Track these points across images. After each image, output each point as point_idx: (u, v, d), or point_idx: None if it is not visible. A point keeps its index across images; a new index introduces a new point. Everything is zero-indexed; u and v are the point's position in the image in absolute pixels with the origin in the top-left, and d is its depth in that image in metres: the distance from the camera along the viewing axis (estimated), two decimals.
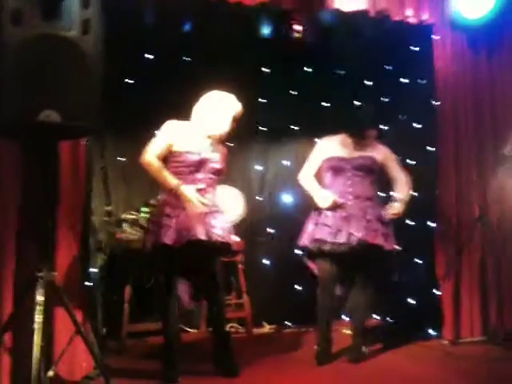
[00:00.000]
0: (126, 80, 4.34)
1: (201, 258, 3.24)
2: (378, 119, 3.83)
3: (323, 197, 3.61)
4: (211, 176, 3.29)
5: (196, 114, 3.33)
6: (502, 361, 3.61)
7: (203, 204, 3.16)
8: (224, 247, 3.26)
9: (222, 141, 3.39)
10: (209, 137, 3.30)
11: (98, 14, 2.40)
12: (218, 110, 3.28)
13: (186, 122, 3.31)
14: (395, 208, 3.67)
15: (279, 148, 5.01)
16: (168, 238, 3.08)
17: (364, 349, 3.72)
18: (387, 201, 3.78)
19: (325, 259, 3.61)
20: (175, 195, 3.15)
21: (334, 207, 3.58)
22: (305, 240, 3.65)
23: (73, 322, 2.67)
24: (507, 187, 4.18)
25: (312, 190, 3.71)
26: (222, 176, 3.44)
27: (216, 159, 3.31)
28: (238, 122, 3.35)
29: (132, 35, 3.91)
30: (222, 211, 3.33)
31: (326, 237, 3.53)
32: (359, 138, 3.69)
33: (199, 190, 3.19)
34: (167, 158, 3.25)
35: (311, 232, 3.63)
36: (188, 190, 3.14)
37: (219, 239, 3.17)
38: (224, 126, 3.30)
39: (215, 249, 3.22)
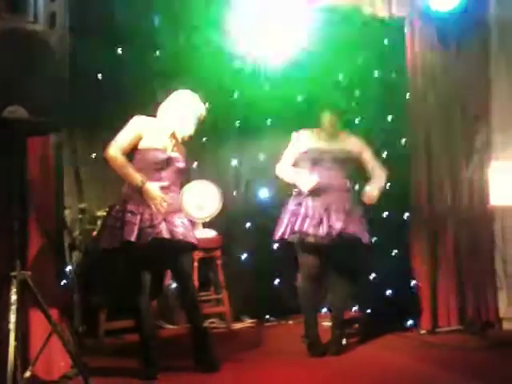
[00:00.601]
0: (99, 75, 4.29)
1: (165, 256, 3.24)
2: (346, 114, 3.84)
3: (307, 179, 3.57)
4: (175, 174, 3.29)
5: (162, 112, 3.31)
6: (478, 350, 3.67)
7: (166, 202, 3.15)
8: (187, 246, 3.26)
9: (184, 141, 3.37)
10: (171, 135, 3.29)
11: (64, 6, 2.37)
12: (184, 112, 3.27)
13: (154, 118, 3.30)
14: (371, 192, 3.66)
15: (254, 142, 5.01)
16: (133, 235, 3.06)
17: (344, 341, 3.74)
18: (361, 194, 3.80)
19: (308, 251, 3.61)
20: (138, 191, 3.13)
21: (317, 190, 3.56)
22: (284, 232, 3.63)
23: (48, 321, 2.65)
24: (478, 178, 4.24)
25: (293, 175, 3.67)
26: (184, 175, 3.42)
27: (179, 158, 3.31)
28: (201, 122, 3.35)
29: (102, 29, 3.88)
30: (182, 210, 3.33)
31: (308, 228, 3.53)
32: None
33: (163, 188, 3.18)
34: (132, 154, 3.22)
35: (290, 224, 3.61)
36: (153, 188, 3.13)
37: (181, 238, 3.18)
38: (189, 129, 3.29)
39: (178, 247, 3.21)
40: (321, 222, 3.53)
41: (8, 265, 2.57)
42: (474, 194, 4.27)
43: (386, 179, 3.78)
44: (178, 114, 3.27)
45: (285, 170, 3.75)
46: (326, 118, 3.70)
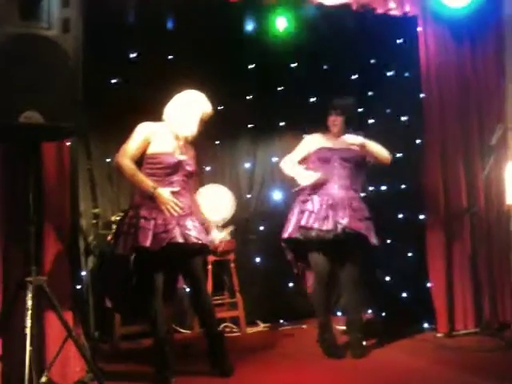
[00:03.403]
0: (113, 80, 4.31)
1: (178, 260, 3.24)
2: (355, 114, 3.81)
3: (307, 174, 3.59)
4: (185, 178, 3.28)
5: (166, 114, 3.30)
6: (496, 351, 3.62)
7: (179, 207, 3.14)
8: (199, 249, 3.26)
9: (190, 142, 3.35)
10: (177, 137, 3.27)
11: (78, 12, 2.37)
12: (185, 110, 3.26)
13: (159, 123, 3.28)
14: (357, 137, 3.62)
15: (267, 145, 5.01)
16: (147, 240, 3.06)
17: (364, 343, 3.72)
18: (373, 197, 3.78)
19: (317, 251, 3.60)
20: (150, 197, 3.13)
21: (318, 185, 3.57)
22: (290, 231, 3.63)
23: (63, 326, 2.66)
24: (494, 178, 4.19)
25: (294, 171, 3.68)
26: (193, 178, 3.41)
27: (188, 161, 3.30)
28: (206, 122, 3.31)
29: (115, 34, 3.89)
30: (194, 213, 3.31)
31: (312, 223, 3.53)
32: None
33: (174, 193, 3.17)
34: (141, 160, 3.22)
35: (296, 220, 3.62)
36: (164, 193, 3.12)
37: (195, 241, 3.17)
38: (191, 127, 3.26)
39: (192, 250, 3.22)
40: (326, 217, 3.53)
41: (24, 270, 2.58)
42: (491, 194, 4.23)
43: (386, 155, 3.69)
44: (181, 113, 3.25)
45: (288, 163, 3.75)
46: (331, 119, 3.72)
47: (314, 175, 3.57)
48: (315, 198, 3.62)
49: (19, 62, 2.25)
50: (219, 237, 3.61)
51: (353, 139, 3.62)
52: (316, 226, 3.52)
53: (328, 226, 3.51)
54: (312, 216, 3.55)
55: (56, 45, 2.30)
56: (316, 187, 3.60)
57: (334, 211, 3.55)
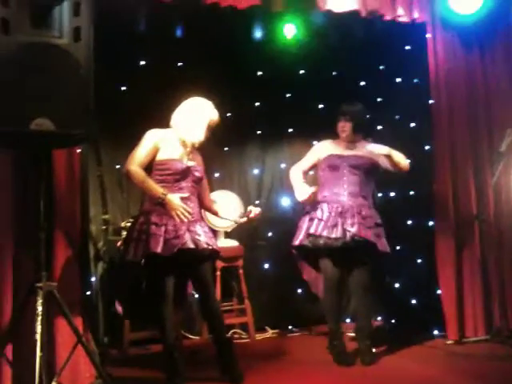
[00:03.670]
0: (123, 87, 4.34)
1: (188, 265, 3.26)
2: (365, 120, 3.81)
3: (302, 190, 3.63)
4: (193, 184, 3.30)
5: (174, 120, 3.31)
6: (506, 359, 3.60)
7: (188, 212, 3.15)
8: (209, 254, 3.28)
9: (197, 148, 3.36)
10: (184, 144, 3.28)
11: (88, 21, 2.39)
12: (192, 117, 3.27)
13: (167, 129, 3.30)
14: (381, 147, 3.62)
15: (276, 151, 5.01)
16: (158, 247, 3.07)
17: (374, 350, 3.70)
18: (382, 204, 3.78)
19: (328, 258, 3.61)
20: (160, 204, 3.13)
21: (310, 201, 3.62)
22: (301, 238, 3.65)
23: (73, 332, 2.67)
24: (503, 184, 4.17)
25: (295, 182, 3.74)
26: (201, 184, 3.41)
27: (196, 167, 3.31)
28: (214, 129, 3.33)
29: (126, 42, 3.92)
30: (204, 219, 3.35)
31: (321, 231, 3.54)
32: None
33: (183, 199, 3.18)
34: (150, 167, 3.23)
35: (306, 228, 3.64)
36: (174, 199, 3.13)
37: (205, 246, 3.20)
38: (198, 134, 3.26)
39: (202, 256, 3.23)
40: (335, 225, 3.54)
41: (34, 276, 2.59)
42: (500, 200, 4.21)
43: (407, 163, 3.68)
44: (188, 120, 3.26)
45: (293, 173, 3.80)
46: (340, 125, 3.73)
47: (309, 191, 3.59)
48: (324, 205, 3.63)
49: (31, 70, 2.26)
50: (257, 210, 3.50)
51: (378, 149, 3.62)
52: (325, 233, 3.54)
53: (337, 233, 3.52)
54: (321, 224, 3.57)
55: (67, 53, 2.31)
56: (310, 202, 3.64)
57: (342, 219, 3.55)
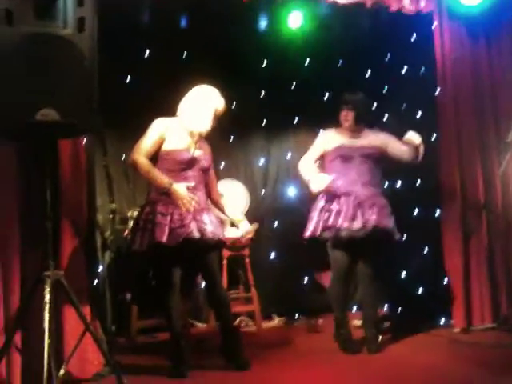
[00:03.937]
0: (127, 78, 4.36)
1: (194, 254, 3.27)
2: (367, 109, 3.80)
3: (320, 180, 3.59)
4: (200, 173, 3.30)
5: (181, 110, 3.31)
6: (511, 346, 3.57)
7: (195, 201, 3.16)
8: (215, 243, 3.28)
9: (204, 137, 3.36)
10: (191, 133, 3.28)
11: (92, 11, 2.40)
12: (198, 106, 3.26)
13: (174, 118, 3.30)
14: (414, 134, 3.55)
15: (281, 142, 5.02)
16: (164, 236, 3.09)
17: (379, 338, 3.72)
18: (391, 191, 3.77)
19: (340, 247, 3.61)
20: (166, 193, 3.15)
21: (328, 191, 3.58)
22: (315, 229, 3.62)
23: (81, 320, 2.70)
24: (511, 174, 4.16)
25: (309, 173, 3.70)
26: (208, 173, 3.42)
27: (203, 156, 3.31)
28: (220, 118, 3.32)
29: (130, 33, 3.94)
30: (210, 208, 3.36)
31: (342, 223, 3.53)
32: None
33: (190, 188, 3.19)
34: (157, 156, 3.24)
35: (322, 220, 3.61)
36: (180, 189, 3.14)
37: (211, 236, 3.20)
38: (205, 123, 3.26)
39: (208, 245, 3.24)
40: (355, 216, 3.53)
41: (42, 265, 2.62)
42: (508, 190, 4.19)
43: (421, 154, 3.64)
44: (194, 108, 3.26)
45: (304, 166, 3.76)
46: (343, 114, 3.72)
47: (327, 179, 3.56)
48: (340, 196, 3.60)
49: (35, 61, 2.27)
50: (248, 229, 3.67)
51: (415, 138, 3.54)
52: (345, 225, 3.52)
53: (358, 224, 3.51)
54: (340, 216, 3.55)
55: (71, 44, 2.32)
56: (328, 192, 3.60)
57: (361, 209, 3.55)
